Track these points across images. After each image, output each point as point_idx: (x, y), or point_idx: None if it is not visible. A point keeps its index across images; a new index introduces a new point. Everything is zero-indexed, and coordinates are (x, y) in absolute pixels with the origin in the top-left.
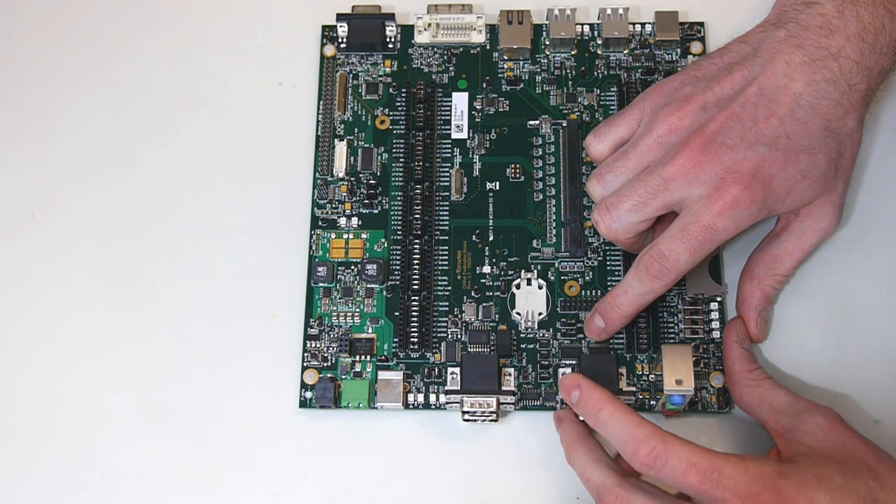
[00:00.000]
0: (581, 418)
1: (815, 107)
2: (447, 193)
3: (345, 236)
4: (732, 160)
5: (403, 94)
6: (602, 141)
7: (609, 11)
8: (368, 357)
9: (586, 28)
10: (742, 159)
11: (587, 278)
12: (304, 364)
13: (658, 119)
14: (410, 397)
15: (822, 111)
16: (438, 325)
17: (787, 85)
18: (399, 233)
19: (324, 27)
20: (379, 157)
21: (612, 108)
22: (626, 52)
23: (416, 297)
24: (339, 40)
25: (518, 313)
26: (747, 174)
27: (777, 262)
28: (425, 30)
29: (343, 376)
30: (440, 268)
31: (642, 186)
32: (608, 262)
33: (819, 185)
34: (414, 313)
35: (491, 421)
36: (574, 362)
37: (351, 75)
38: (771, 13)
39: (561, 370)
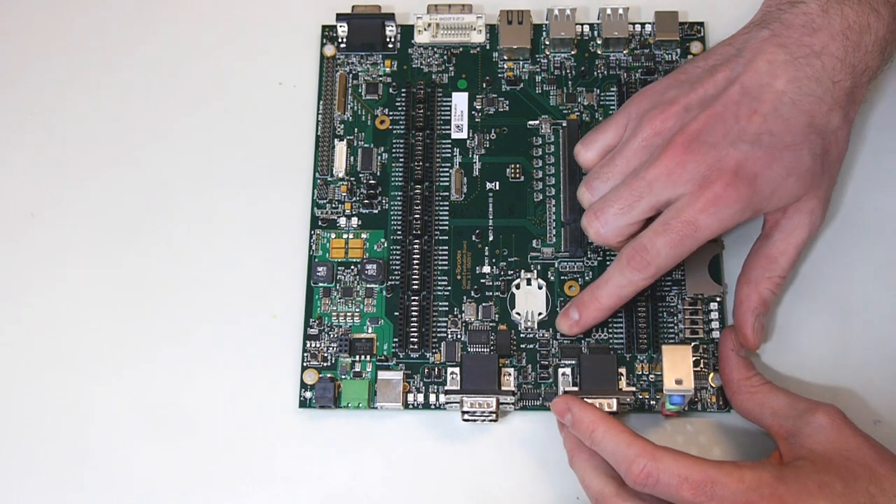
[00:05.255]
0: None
1: (798, 104)
2: (447, 193)
3: (345, 236)
4: (715, 158)
5: (403, 94)
6: (590, 148)
7: (609, 11)
8: (368, 357)
9: (586, 28)
10: (725, 157)
11: (587, 278)
12: (304, 364)
13: (643, 123)
14: (410, 397)
15: (805, 108)
16: (438, 325)
17: (770, 83)
18: (399, 233)
19: (324, 27)
20: (379, 157)
21: (611, 108)
22: (625, 52)
23: (416, 297)
24: (339, 40)
25: (518, 313)
26: (730, 171)
27: (772, 263)
28: (425, 30)
29: (343, 376)
30: (440, 268)
31: (627, 190)
32: (608, 262)
33: (805, 181)
34: (414, 313)
35: (491, 421)
36: (574, 362)
37: (351, 75)
38: (756, 14)
39: (561, 370)
